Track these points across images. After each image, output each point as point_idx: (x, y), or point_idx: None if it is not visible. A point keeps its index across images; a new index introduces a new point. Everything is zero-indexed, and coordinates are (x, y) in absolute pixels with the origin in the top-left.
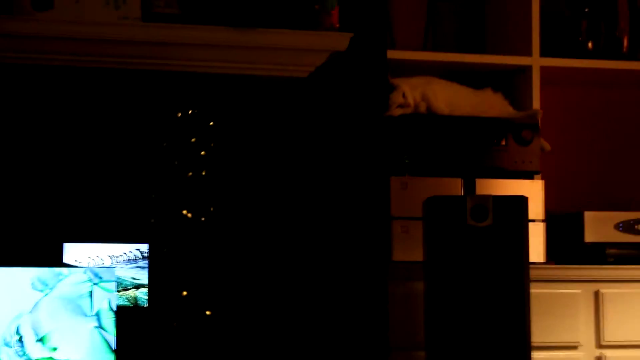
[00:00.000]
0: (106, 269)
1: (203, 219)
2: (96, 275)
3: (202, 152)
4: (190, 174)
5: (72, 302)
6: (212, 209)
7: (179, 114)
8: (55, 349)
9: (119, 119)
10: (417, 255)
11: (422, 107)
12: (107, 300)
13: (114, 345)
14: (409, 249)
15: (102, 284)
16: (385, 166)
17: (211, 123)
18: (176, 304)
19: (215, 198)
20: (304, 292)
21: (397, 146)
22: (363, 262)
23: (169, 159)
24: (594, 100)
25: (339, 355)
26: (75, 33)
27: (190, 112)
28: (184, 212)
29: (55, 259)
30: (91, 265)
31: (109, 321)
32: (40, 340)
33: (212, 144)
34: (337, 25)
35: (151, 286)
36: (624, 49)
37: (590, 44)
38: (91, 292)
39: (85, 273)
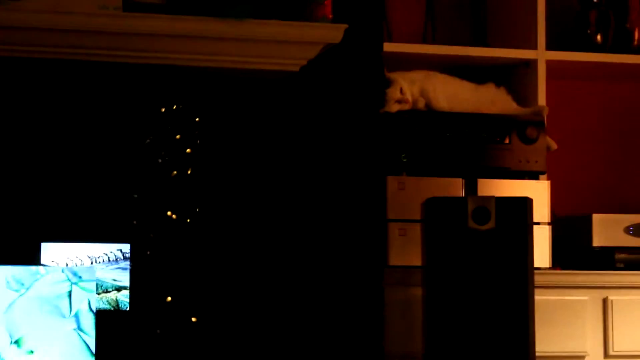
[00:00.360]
0: (86, 268)
1: (188, 220)
2: (75, 274)
3: (188, 150)
4: (174, 172)
5: (49, 302)
6: (198, 209)
7: (163, 109)
8: (31, 352)
9: (99, 114)
10: (416, 259)
11: (421, 103)
12: (86, 301)
13: (94, 349)
14: (407, 253)
15: (81, 284)
16: (382, 165)
17: (197, 119)
18: (160, 309)
19: (202, 198)
20: (295, 298)
21: (394, 144)
22: (357, 267)
23: (152, 157)
24: (603, 96)
25: None
26: (52, 23)
27: (174, 107)
28: (169, 213)
29: (32, 258)
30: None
31: (89, 323)
32: (16, 342)
33: (198, 141)
34: (331, 17)
35: (133, 289)
36: (635, 42)
37: (599, 37)
38: (70, 292)
39: (63, 272)
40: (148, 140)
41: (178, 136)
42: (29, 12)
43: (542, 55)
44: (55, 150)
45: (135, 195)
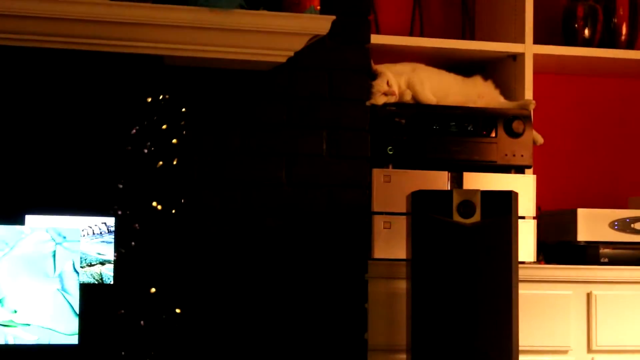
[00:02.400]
0: (70, 229)
1: (174, 211)
2: (59, 234)
3: (174, 140)
4: (160, 163)
5: (33, 262)
6: (183, 200)
7: (149, 99)
8: (15, 311)
9: (85, 103)
10: (400, 252)
11: (408, 96)
12: (70, 262)
13: (77, 309)
14: (392, 246)
15: (65, 244)
16: (368, 157)
17: (183, 109)
18: (144, 301)
19: (187, 189)
20: (279, 290)
21: (380, 136)
22: (341, 259)
23: (137, 147)
24: (590, 91)
25: (315, 357)
26: (36, 11)
27: (161, 97)
28: (154, 203)
29: (16, 219)
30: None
31: (73, 283)
32: None
33: (184, 132)
34: (318, 8)
35: (117, 280)
36: (623, 37)
37: (586, 32)
38: (54, 252)
39: (47, 232)
40: (134, 131)
41: (164, 126)
42: (11, 0)
43: (529, 49)
44: (41, 140)
45: (121, 186)
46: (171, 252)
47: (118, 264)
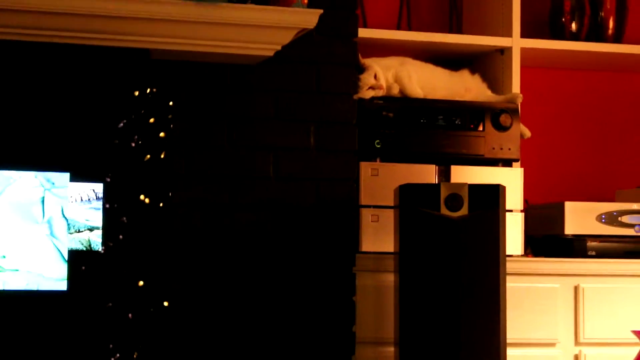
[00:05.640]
0: (59, 174)
1: (161, 204)
2: (48, 180)
3: (161, 134)
4: (148, 156)
5: (22, 208)
6: (170, 194)
7: (137, 93)
8: (4, 257)
9: (72, 96)
10: (388, 245)
11: (395, 89)
12: (59, 207)
13: (66, 255)
14: (379, 239)
15: (54, 190)
16: (355, 151)
17: (171, 103)
18: (132, 294)
19: (174, 182)
20: (266, 284)
21: (367, 130)
22: (329, 252)
23: (125, 140)
24: (577, 84)
25: (302, 350)
26: (24, 5)
27: (148, 91)
28: (141, 197)
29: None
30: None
31: (62, 229)
32: None
33: (172, 125)
34: (306, 2)
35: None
36: (610, 31)
37: (574, 26)
38: (43, 198)
39: (36, 177)
40: (121, 124)
41: (152, 120)
42: None
43: (516, 42)
44: (28, 132)
45: (108, 179)
46: (159, 245)
47: (106, 257)
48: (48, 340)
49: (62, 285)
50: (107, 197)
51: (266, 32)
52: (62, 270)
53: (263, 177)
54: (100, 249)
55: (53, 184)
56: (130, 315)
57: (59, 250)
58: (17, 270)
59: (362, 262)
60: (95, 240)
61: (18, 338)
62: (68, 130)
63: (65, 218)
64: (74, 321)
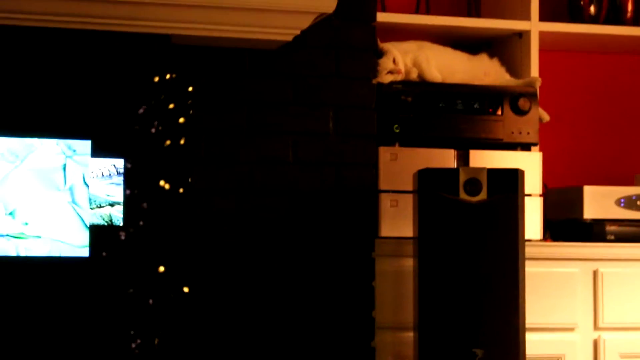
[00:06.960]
0: (81, 142)
1: (181, 190)
2: (70, 147)
3: (181, 120)
4: (168, 142)
5: (44, 175)
6: (190, 179)
7: (157, 79)
8: (26, 223)
9: (92, 82)
10: (407, 231)
11: (414, 74)
12: (81, 174)
13: (87, 222)
14: (398, 224)
15: (76, 157)
16: (374, 136)
17: (190, 88)
18: (153, 280)
19: (194, 168)
20: (286, 269)
21: (386, 115)
22: (348, 238)
23: (145, 126)
24: (596, 68)
25: (322, 335)
26: None
27: (168, 76)
28: (162, 182)
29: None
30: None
31: (83, 196)
32: (10, 214)
33: (191, 111)
34: None
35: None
36: (628, 14)
37: (592, 9)
38: (64, 165)
39: (58, 145)
40: (142, 110)
41: (171, 106)
42: None
43: (535, 26)
44: (50, 103)
45: (129, 166)
46: (179, 231)
47: (127, 242)
48: (70, 307)
49: (84, 252)
50: (128, 183)
51: (285, 17)
52: (83, 237)
53: (282, 162)
54: (120, 224)
55: (74, 151)
56: (150, 301)
57: (80, 217)
58: (39, 237)
59: (381, 247)
60: (117, 215)
61: (41, 305)
62: (90, 101)
63: (87, 185)
64: (96, 288)
